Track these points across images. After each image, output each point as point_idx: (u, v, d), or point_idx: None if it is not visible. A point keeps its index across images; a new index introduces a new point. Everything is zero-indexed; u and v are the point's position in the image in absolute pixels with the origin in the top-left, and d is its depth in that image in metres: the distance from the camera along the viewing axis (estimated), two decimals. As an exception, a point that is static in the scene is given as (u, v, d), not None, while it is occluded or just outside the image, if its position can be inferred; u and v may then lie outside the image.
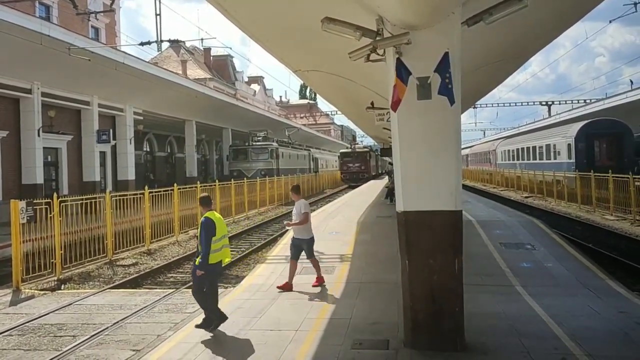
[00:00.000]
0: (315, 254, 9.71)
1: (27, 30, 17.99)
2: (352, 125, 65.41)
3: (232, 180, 27.01)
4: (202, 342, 6.89)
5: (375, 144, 66.32)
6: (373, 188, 37.96)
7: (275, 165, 40.77)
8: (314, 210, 22.69)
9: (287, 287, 9.33)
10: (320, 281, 9.53)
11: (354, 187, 45.27)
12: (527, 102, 58.80)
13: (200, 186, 20.35)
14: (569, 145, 28.72)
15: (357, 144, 68.84)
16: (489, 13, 5.81)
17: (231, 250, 16.42)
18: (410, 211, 6.28)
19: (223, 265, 7.90)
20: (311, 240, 9.57)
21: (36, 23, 18.98)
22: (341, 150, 58.77)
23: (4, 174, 22.12)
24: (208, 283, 7.34)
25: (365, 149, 57.73)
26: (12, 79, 21.44)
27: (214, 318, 7.24)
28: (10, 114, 22.58)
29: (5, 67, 20.37)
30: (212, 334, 7.09)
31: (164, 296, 9.85)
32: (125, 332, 7.79)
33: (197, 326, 7.25)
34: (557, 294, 8.61)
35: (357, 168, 52.97)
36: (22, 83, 22.10)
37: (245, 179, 29.27)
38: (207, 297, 7.31)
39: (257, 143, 41.66)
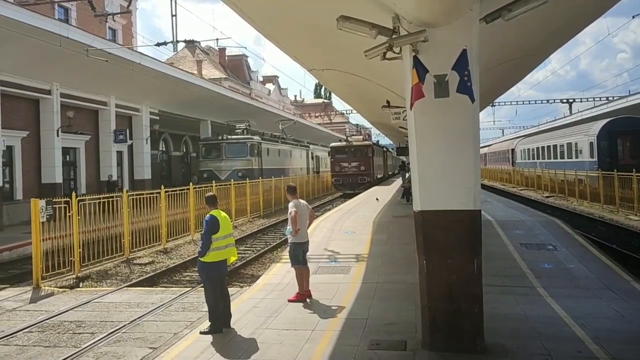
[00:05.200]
0: (330, 253, 9.55)
1: (47, 32, 18.17)
2: (367, 124, 57.55)
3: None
4: (218, 341, 6.88)
5: (391, 143, 62.85)
6: (382, 194, 29.02)
7: (257, 164, 32.46)
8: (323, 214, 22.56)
9: (300, 297, 8.63)
10: (297, 297, 8.63)
11: (350, 196, 32.60)
12: (547, 100, 57.66)
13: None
14: (590, 143, 28.28)
15: (355, 134, 52.61)
16: (507, 9, 5.72)
17: (247, 249, 16.67)
18: (428, 210, 6.20)
19: (229, 264, 7.92)
20: (293, 246, 8.78)
21: (55, 25, 19.18)
22: (332, 144, 42.69)
23: (24, 173, 22.48)
24: (218, 282, 7.42)
25: (366, 142, 42.25)
26: (32, 81, 21.79)
27: (217, 319, 7.28)
28: (30, 114, 22.96)
29: (26, 68, 20.69)
30: (230, 335, 7.08)
31: (180, 295, 9.88)
32: (142, 330, 7.81)
33: (203, 332, 7.25)
34: (579, 295, 8.47)
35: (355, 169, 38.27)
36: (42, 84, 22.46)
37: (213, 181, 22.78)
38: (213, 297, 7.35)
39: (234, 137, 32.92)
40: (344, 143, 40.95)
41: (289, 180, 31.48)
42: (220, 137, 32.38)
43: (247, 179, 26.56)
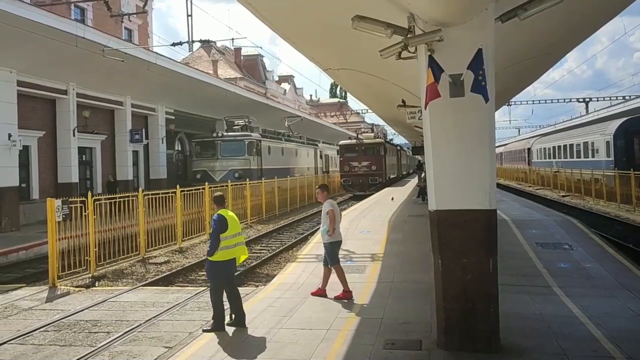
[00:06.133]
0: (345, 252, 9.53)
1: (63, 32, 18.36)
2: (383, 124, 55.61)
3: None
4: (233, 340, 6.91)
5: (407, 142, 61.93)
6: (396, 195, 27.86)
7: (256, 163, 29.68)
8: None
9: (346, 296, 8.66)
10: (344, 295, 8.68)
11: (360, 198, 30.12)
12: (564, 99, 57.14)
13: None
14: (607, 142, 28.03)
15: (367, 131, 47.80)
16: (523, 9, 5.69)
17: (261, 248, 16.69)
18: (443, 210, 6.18)
19: (240, 262, 7.98)
20: (330, 245, 8.78)
21: (71, 25, 19.37)
22: (340, 142, 39.66)
23: (40, 173, 22.73)
24: (225, 281, 7.50)
25: (378, 140, 38.88)
26: (49, 81, 22.03)
27: (221, 318, 7.38)
28: (47, 114, 23.21)
29: (42, 69, 20.91)
30: (245, 335, 7.11)
31: (196, 294, 9.91)
32: (158, 329, 7.85)
33: (205, 330, 7.38)
34: (595, 295, 8.40)
35: (365, 169, 35.93)
36: (58, 84, 22.69)
37: (206, 183, 19.59)
38: (219, 296, 7.44)
39: (230, 134, 29.98)
40: (353, 141, 38.06)
41: (297, 181, 30.98)
42: (215, 134, 29.73)
43: (248, 179, 24.42)
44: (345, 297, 8.58)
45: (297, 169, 36.95)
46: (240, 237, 7.69)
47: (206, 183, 17.95)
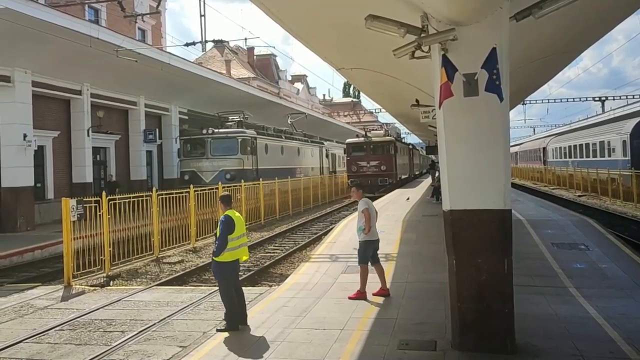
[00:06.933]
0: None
1: (77, 33, 18.50)
2: (397, 123, 54.23)
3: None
4: (247, 340, 6.92)
5: (420, 142, 61.20)
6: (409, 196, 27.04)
7: (250, 163, 26.50)
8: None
9: (360, 295, 8.64)
10: (358, 295, 8.64)
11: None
12: (579, 98, 56.48)
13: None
14: (624, 142, 27.75)
15: (377, 128, 45.89)
16: (538, 7, 5.63)
17: (275, 248, 16.71)
18: (458, 210, 6.15)
19: (241, 263, 8.01)
20: (364, 244, 8.75)
21: (85, 26, 19.52)
22: (347, 140, 37.01)
23: (55, 173, 22.94)
24: (232, 281, 7.57)
25: (388, 138, 36.19)
26: (63, 81, 22.21)
27: (233, 318, 7.40)
28: (61, 114, 23.43)
29: (57, 69, 21.09)
30: (259, 335, 7.11)
31: (209, 294, 9.92)
32: (172, 328, 7.88)
33: (219, 330, 7.41)
34: (612, 296, 8.31)
35: (374, 169, 33.51)
36: (73, 85, 22.87)
37: (191, 185, 17.32)
38: (229, 296, 7.46)
39: (221, 130, 26.96)
40: (361, 139, 35.46)
41: (301, 182, 28.97)
42: (204, 131, 26.50)
43: (242, 180, 22.07)
44: (359, 297, 8.56)
45: (299, 169, 34.06)
46: (245, 239, 7.78)
47: (191, 186, 16.92)
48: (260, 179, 24.12)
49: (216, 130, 26.54)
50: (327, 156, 42.76)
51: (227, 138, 26.24)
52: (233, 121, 28.58)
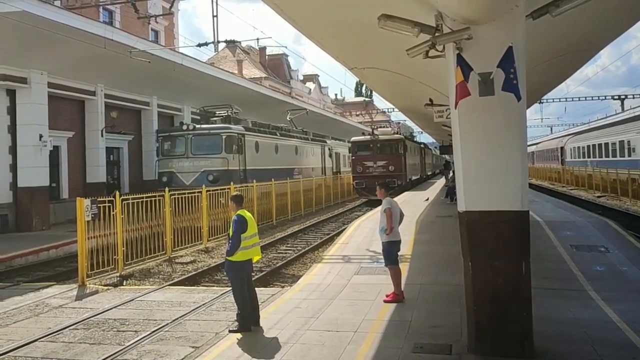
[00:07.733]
0: (372, 254, 9.39)
1: (92, 34, 18.59)
2: (409, 122, 52.64)
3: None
4: (259, 341, 6.87)
5: (433, 141, 60.81)
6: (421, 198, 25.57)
7: (237, 163, 22.94)
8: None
9: (396, 298, 8.42)
10: (393, 297, 8.41)
11: (375, 204, 24.35)
12: (598, 97, 55.67)
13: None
14: (644, 141, 27.39)
15: (384, 126, 42.82)
16: (555, 5, 5.54)
17: (286, 248, 16.67)
18: (473, 211, 6.04)
19: (254, 262, 7.99)
20: (387, 245, 8.54)
21: (100, 28, 19.59)
22: (352, 139, 34.28)
23: (70, 173, 23.13)
24: (245, 281, 7.57)
25: (397, 137, 33.40)
26: (78, 82, 22.40)
27: (246, 318, 7.38)
28: (76, 115, 23.62)
29: (72, 70, 21.26)
30: (271, 336, 7.07)
31: (222, 294, 9.90)
32: (185, 328, 7.86)
33: (232, 331, 7.39)
34: (633, 299, 8.15)
35: (382, 169, 30.80)
36: (87, 85, 23.07)
37: (166, 189, 15.54)
38: (242, 295, 7.46)
39: (203, 126, 23.22)
40: (367, 137, 32.69)
41: (300, 184, 26.63)
42: (184, 127, 22.79)
43: (232, 182, 19.36)
44: (395, 300, 8.34)
45: (298, 169, 30.70)
46: (256, 238, 7.78)
47: (166, 189, 15.22)
48: (254, 181, 21.47)
49: (198, 126, 23.03)
50: (330, 155, 39.28)
51: (209, 134, 22.48)
52: (220, 116, 25.12)
